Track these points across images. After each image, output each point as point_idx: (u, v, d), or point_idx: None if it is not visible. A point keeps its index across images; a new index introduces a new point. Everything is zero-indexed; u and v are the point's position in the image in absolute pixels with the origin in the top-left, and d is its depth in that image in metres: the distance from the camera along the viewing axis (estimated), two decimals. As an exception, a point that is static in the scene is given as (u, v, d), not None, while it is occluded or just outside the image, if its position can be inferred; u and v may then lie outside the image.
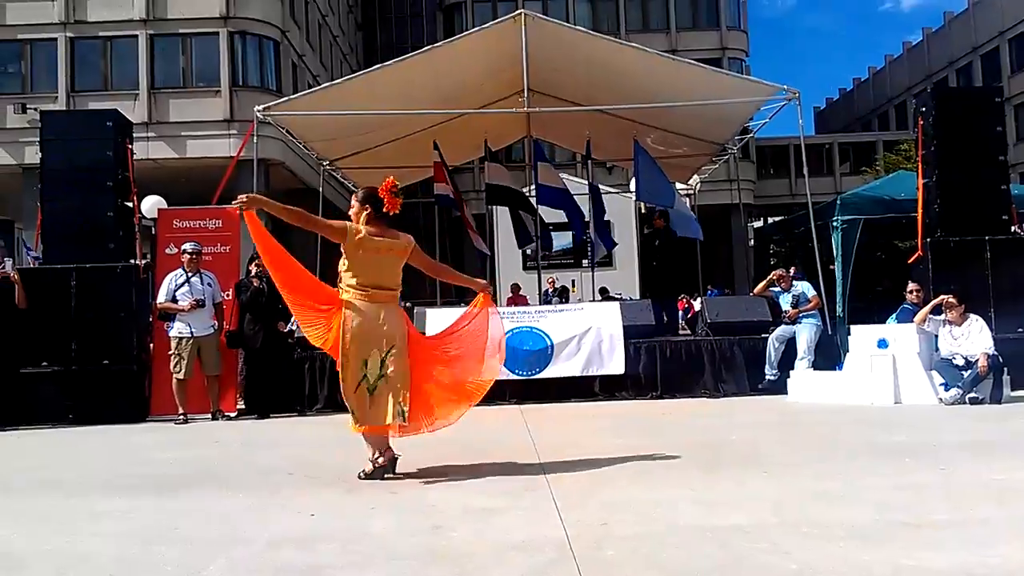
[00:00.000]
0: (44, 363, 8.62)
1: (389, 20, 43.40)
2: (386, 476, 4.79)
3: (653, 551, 3.20)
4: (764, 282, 9.86)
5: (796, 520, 3.59)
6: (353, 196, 4.98)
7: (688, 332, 12.33)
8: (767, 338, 9.37)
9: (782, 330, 9.36)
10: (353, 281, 4.76)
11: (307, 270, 5.05)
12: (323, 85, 12.74)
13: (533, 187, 13.26)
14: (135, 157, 9.63)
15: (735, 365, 9.37)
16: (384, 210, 4.83)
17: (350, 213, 4.91)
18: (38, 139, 9.38)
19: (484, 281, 5.42)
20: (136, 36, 24.97)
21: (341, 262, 4.84)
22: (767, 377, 9.25)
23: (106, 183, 8.94)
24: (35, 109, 22.67)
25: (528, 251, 19.33)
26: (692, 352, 9.44)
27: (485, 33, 11.07)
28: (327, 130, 11.69)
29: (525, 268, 20.05)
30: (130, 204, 9.41)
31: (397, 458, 4.88)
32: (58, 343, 8.64)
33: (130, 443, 7.26)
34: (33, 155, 21.37)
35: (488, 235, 16.44)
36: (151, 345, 9.23)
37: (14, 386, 8.56)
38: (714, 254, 27.41)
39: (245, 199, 4.69)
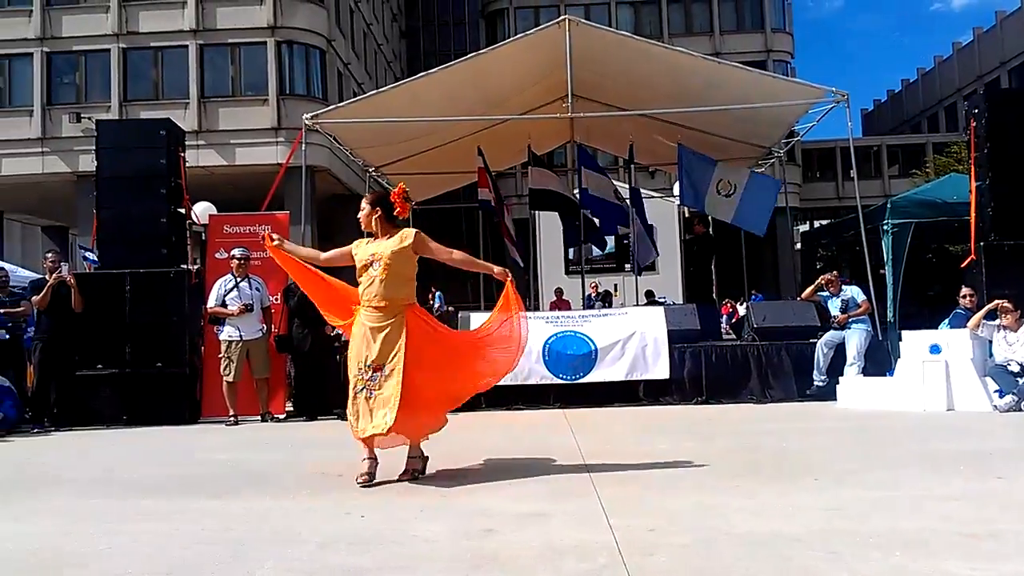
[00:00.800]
0: (99, 365, 8.82)
1: (432, 27, 43.82)
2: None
3: (705, 559, 3.17)
4: (812, 286, 9.71)
5: (851, 529, 3.53)
6: (364, 199, 5.00)
7: (733, 337, 12.23)
8: (815, 343, 9.24)
9: (831, 335, 9.22)
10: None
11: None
12: (369, 93, 12.90)
13: (577, 191, 13.28)
14: (186, 164, 9.85)
15: (783, 371, 9.26)
16: (395, 214, 4.88)
17: (359, 216, 4.95)
18: (92, 147, 9.63)
19: (502, 269, 5.14)
20: (186, 46, 25.56)
21: (412, 272, 4.93)
22: (816, 383, 9.11)
23: (159, 190, 9.14)
24: (89, 118, 23.34)
25: (572, 254, 19.38)
26: (738, 357, 9.35)
27: (530, 39, 11.10)
28: (373, 137, 11.82)
29: (568, 272, 20.09)
30: (182, 210, 9.61)
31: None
32: (113, 346, 8.83)
33: (183, 444, 7.41)
34: (87, 163, 22.08)
35: (530, 240, 16.49)
36: (202, 348, 9.41)
37: (71, 388, 8.80)
38: (759, 258, 27.12)
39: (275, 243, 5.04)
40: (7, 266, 11.85)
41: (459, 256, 5.10)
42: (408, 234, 4.87)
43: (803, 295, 9.92)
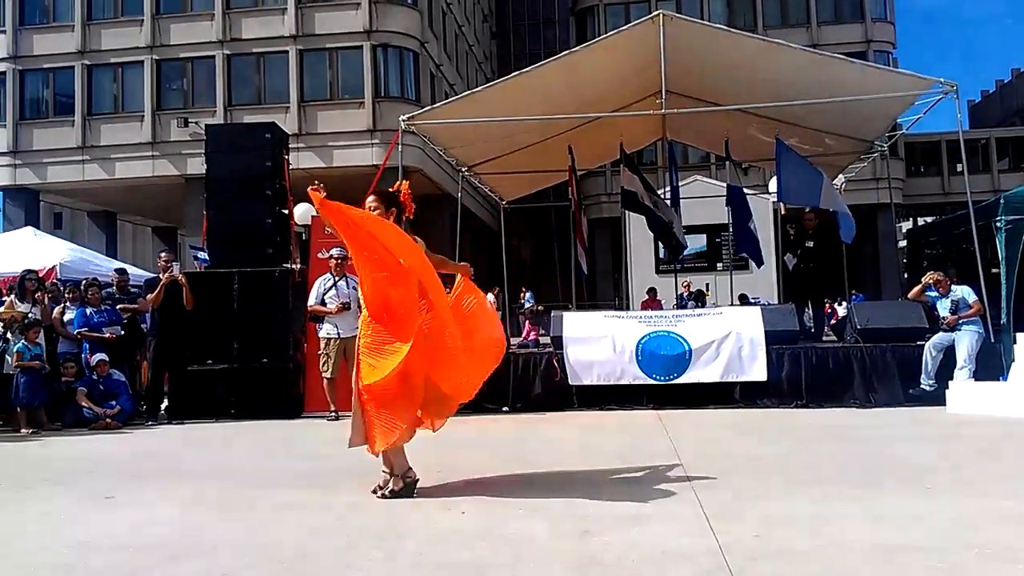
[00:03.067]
0: (209, 361, 9.20)
1: (523, 27, 44.03)
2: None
3: (814, 566, 3.11)
4: (919, 286, 9.33)
5: (972, 540, 3.39)
6: (372, 199, 4.83)
7: (833, 338, 11.85)
8: (923, 346, 8.88)
9: (940, 337, 8.84)
10: None
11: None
12: (463, 94, 13.05)
13: (668, 189, 13.12)
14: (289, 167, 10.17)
15: (888, 374, 8.90)
16: (406, 215, 4.87)
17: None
18: (199, 151, 10.03)
19: (465, 264, 5.34)
20: (287, 51, 26.41)
21: None
22: (923, 387, 8.74)
23: (265, 192, 9.46)
24: (196, 123, 24.38)
25: (662, 254, 19.16)
26: (840, 360, 9.04)
27: (623, 35, 11.01)
28: (466, 137, 11.95)
29: (658, 271, 19.85)
30: (286, 211, 9.94)
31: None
32: (222, 342, 9.18)
33: (289, 438, 7.68)
34: (195, 166, 23.09)
35: (622, 238, 16.39)
36: (305, 345, 9.71)
37: (183, 382, 9.22)
38: (858, 257, 26.19)
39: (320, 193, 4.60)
40: (123, 266, 12.53)
41: (435, 259, 5.00)
42: (421, 242, 4.81)
43: (910, 295, 9.54)
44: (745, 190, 13.94)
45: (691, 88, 12.08)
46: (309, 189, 4.67)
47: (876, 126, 12.21)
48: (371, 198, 4.87)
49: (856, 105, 10.65)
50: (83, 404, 8.65)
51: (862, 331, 9.25)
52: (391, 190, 4.99)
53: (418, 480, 4.66)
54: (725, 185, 13.32)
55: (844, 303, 16.27)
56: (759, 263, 13.13)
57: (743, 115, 12.06)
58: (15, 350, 8.64)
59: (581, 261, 13.47)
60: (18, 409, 8.57)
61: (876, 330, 9.22)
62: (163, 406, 9.42)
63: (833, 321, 15.51)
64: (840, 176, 14.87)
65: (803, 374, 8.97)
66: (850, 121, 11.72)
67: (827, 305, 16.36)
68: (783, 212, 13.51)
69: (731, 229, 12.25)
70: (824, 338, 11.22)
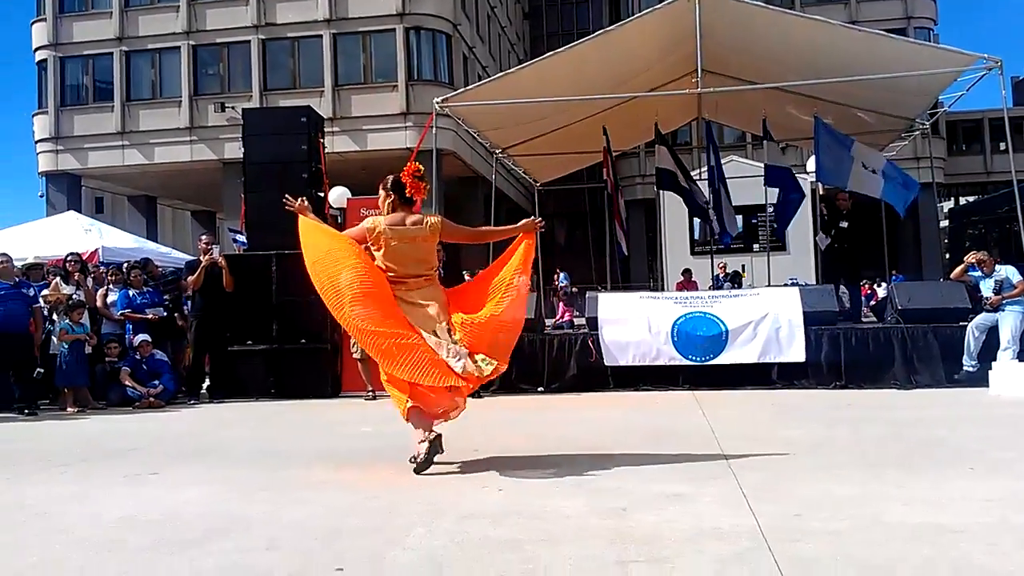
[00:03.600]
0: (249, 341, 9.34)
1: (555, 7, 43.64)
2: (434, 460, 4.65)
3: (855, 547, 3.08)
4: (961, 266, 9.16)
5: (1014, 522, 3.34)
6: (380, 185, 4.94)
7: (873, 319, 11.70)
8: (965, 326, 8.73)
9: (983, 318, 8.68)
10: (391, 274, 4.77)
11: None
12: (497, 75, 13.00)
13: (704, 170, 12.99)
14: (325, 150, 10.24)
15: (929, 355, 8.77)
16: (407, 195, 4.86)
17: (379, 203, 4.95)
18: (237, 135, 10.13)
19: (531, 220, 5.27)
20: (320, 36, 26.49)
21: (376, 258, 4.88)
22: (966, 368, 8.61)
23: (301, 175, 9.53)
24: (232, 107, 24.58)
25: (697, 235, 19.01)
26: (880, 340, 8.93)
27: (658, 13, 10.88)
28: (499, 119, 11.92)
29: (693, 253, 19.67)
30: (322, 194, 10.02)
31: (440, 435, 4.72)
32: (261, 323, 9.31)
33: (327, 417, 7.79)
34: (232, 150, 23.27)
35: (658, 219, 16.27)
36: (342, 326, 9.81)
37: (224, 363, 9.38)
38: (898, 237, 25.74)
39: (297, 204, 5.01)
40: (162, 248, 12.75)
41: (480, 231, 5.48)
42: (435, 222, 4.88)
43: (952, 275, 9.37)
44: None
45: (727, 66, 11.93)
46: (297, 206, 5.09)
47: (917, 103, 11.97)
48: (380, 184, 4.96)
49: (897, 82, 10.44)
50: (127, 384, 8.84)
51: (903, 311, 9.12)
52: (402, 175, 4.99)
53: (440, 435, 4.68)
54: (762, 165, 13.16)
55: (884, 284, 16.03)
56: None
57: (780, 93, 11.89)
58: (60, 328, 8.86)
59: (621, 242, 13.41)
60: (64, 389, 8.79)
61: (917, 310, 9.08)
62: (205, 385, 9.61)
63: (873, 302, 15.32)
64: (880, 155, 14.62)
65: (842, 355, 8.88)
66: (890, 98, 11.49)
67: (867, 286, 16.16)
68: (821, 192, 13.33)
69: (774, 208, 12.08)
70: (863, 319, 11.08)
